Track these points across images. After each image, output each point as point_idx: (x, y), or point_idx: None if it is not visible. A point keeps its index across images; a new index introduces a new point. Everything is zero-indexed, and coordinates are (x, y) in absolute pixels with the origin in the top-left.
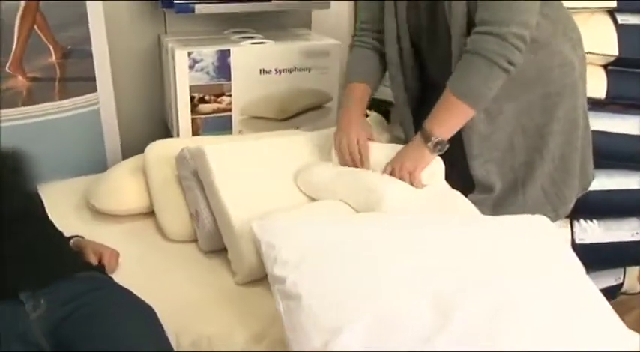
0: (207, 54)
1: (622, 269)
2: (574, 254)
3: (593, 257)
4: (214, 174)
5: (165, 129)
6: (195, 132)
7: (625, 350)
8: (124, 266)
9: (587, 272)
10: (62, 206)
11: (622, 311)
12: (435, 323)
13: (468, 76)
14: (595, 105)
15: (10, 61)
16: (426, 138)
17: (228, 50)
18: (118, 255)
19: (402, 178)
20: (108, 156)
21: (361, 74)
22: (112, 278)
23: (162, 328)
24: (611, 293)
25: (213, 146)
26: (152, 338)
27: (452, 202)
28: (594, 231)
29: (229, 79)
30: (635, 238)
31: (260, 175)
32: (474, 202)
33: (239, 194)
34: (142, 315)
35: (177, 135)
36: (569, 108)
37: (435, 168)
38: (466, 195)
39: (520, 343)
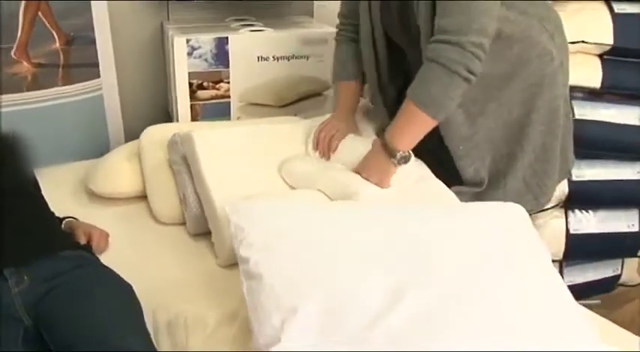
0: (206, 41)
1: (620, 261)
2: (542, 242)
3: (589, 248)
4: (201, 160)
5: (167, 115)
6: (194, 118)
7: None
8: (114, 246)
9: (584, 263)
10: (62, 189)
11: (620, 302)
12: (387, 304)
13: (428, 84)
14: (591, 95)
15: (15, 47)
16: (391, 153)
17: (226, 37)
18: (107, 235)
19: None
20: (111, 141)
21: (348, 73)
22: (97, 258)
23: (139, 306)
24: (609, 285)
25: (201, 132)
26: (126, 315)
27: (428, 191)
28: (590, 222)
29: (227, 66)
30: (632, 229)
31: (246, 162)
32: (458, 193)
33: (224, 179)
34: (119, 294)
35: (177, 121)
36: (549, 98)
37: (405, 171)
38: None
39: (472, 328)
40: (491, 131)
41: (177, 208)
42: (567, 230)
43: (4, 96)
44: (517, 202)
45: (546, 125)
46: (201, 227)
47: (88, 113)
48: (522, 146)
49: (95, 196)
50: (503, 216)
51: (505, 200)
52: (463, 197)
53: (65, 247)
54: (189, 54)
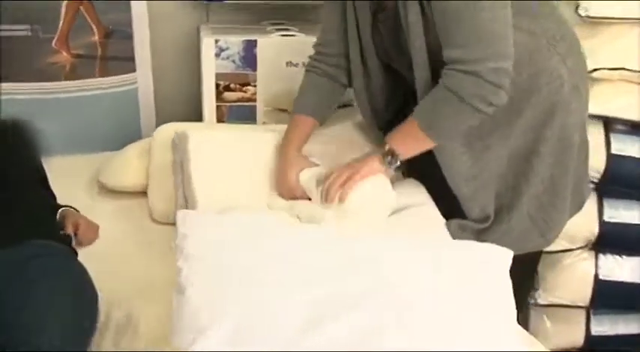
0: (234, 43)
1: None
2: (510, 294)
3: (618, 297)
4: (191, 161)
5: (200, 115)
6: (219, 120)
7: None
8: (104, 239)
9: (613, 312)
10: (76, 178)
11: None
12: (307, 327)
13: (442, 114)
14: (633, 128)
15: (56, 38)
16: (381, 147)
17: (255, 40)
18: (96, 228)
19: (336, 185)
20: (143, 134)
21: (309, 107)
22: (68, 249)
23: (88, 300)
24: None
25: (199, 132)
26: (62, 310)
27: (412, 222)
28: (622, 269)
29: (255, 70)
30: None
31: (238, 169)
32: (460, 227)
33: (212, 184)
34: (64, 289)
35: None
36: (559, 127)
37: (378, 190)
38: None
39: None
40: (497, 166)
41: (173, 208)
42: (596, 275)
43: (44, 84)
44: (522, 238)
45: (556, 156)
46: None
47: (121, 105)
48: (528, 178)
49: (104, 189)
50: (479, 256)
51: (510, 237)
52: (465, 232)
53: (37, 235)
54: (217, 55)
